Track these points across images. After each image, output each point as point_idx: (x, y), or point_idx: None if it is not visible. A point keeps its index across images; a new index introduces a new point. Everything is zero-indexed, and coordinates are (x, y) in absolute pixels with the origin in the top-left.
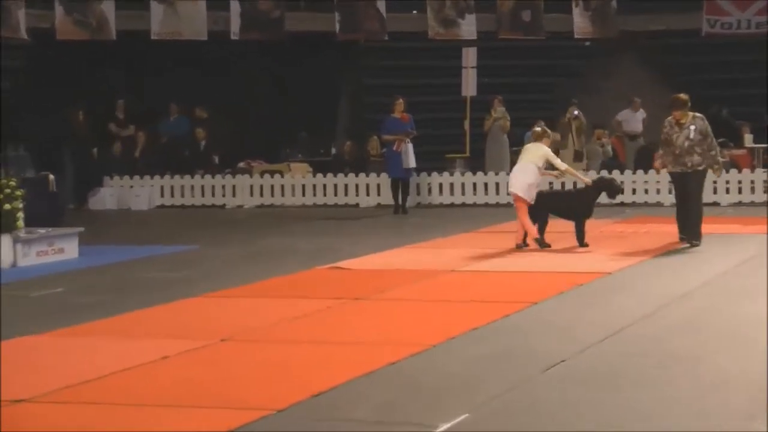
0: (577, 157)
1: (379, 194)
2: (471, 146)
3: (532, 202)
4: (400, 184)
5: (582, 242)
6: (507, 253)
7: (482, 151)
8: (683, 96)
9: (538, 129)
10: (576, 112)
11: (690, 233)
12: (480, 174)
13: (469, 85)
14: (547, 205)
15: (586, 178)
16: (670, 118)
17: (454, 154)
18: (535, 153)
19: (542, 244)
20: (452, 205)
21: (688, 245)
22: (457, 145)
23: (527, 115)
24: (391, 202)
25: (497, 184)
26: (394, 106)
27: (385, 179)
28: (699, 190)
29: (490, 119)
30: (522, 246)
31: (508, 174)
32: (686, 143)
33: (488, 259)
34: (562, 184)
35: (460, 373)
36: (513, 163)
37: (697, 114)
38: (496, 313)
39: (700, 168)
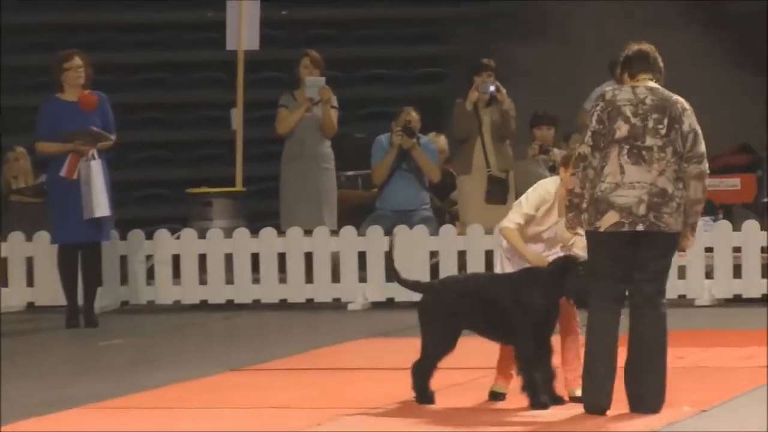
0: (495, 192)
1: (31, 282)
2: (248, 169)
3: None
4: (80, 255)
5: (553, 397)
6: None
7: (274, 177)
8: (632, 48)
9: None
10: (492, 88)
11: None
12: (269, 231)
13: (244, 31)
14: (457, 310)
15: (536, 258)
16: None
17: (207, 187)
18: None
19: (427, 399)
20: (205, 305)
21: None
22: (218, 165)
23: (382, 94)
24: (59, 300)
25: (309, 257)
26: (64, 74)
27: (45, 245)
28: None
29: (296, 106)
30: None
31: (334, 232)
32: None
33: None
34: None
35: None
36: (349, 202)
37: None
38: None
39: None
